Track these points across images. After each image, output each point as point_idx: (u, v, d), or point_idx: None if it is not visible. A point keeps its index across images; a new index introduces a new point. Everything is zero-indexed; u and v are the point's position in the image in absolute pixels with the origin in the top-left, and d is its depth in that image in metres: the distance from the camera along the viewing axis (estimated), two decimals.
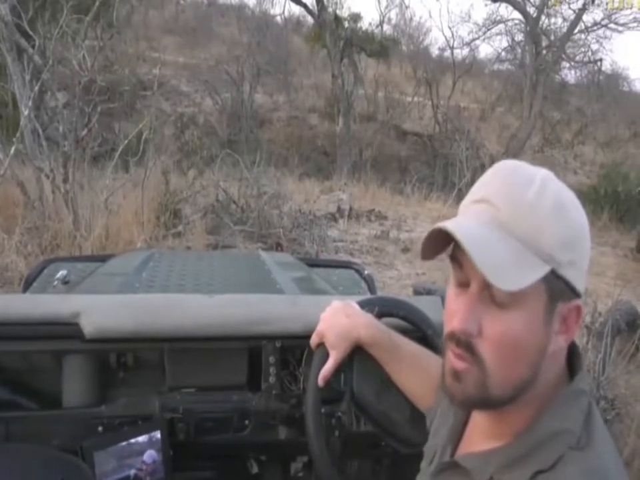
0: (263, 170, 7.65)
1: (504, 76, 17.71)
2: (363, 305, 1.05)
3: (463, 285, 0.64)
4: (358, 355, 0.98)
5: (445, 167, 13.38)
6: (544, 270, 0.60)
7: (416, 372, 0.94)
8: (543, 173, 0.65)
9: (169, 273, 1.93)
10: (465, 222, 0.63)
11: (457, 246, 0.61)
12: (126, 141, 6.06)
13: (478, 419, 0.71)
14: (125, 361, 1.23)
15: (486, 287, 0.61)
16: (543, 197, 0.61)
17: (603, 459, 0.60)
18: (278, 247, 5.91)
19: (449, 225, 0.61)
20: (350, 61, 14.85)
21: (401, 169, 13.89)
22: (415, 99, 16.73)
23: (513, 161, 0.68)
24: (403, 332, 1.00)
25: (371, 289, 2.23)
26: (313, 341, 1.00)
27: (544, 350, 0.62)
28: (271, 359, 1.25)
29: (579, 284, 0.63)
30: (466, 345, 0.62)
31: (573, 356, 0.67)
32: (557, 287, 0.61)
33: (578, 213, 0.64)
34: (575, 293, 0.63)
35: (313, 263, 2.46)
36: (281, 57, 15.75)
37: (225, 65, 14.42)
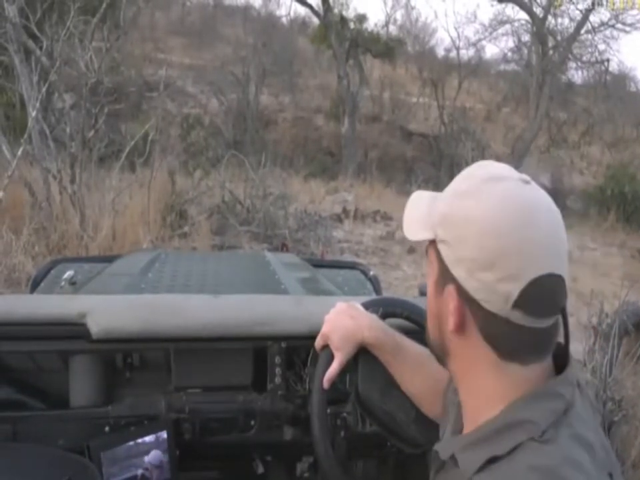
0: (269, 171, 7.67)
1: (510, 76, 17.66)
2: (367, 305, 1.05)
3: None
4: (363, 355, 0.98)
5: (450, 167, 13.35)
6: (429, 235, 0.68)
7: (420, 374, 0.93)
8: (494, 175, 0.66)
9: (174, 274, 1.94)
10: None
11: None
12: (132, 142, 6.08)
13: (464, 417, 0.72)
14: (131, 361, 1.24)
15: None
16: (462, 183, 0.68)
17: (562, 460, 0.57)
18: (283, 247, 5.91)
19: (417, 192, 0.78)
20: (355, 61, 14.85)
21: (407, 169, 13.87)
22: (421, 99, 16.71)
23: (500, 165, 0.69)
24: (408, 332, 1.00)
25: (376, 289, 2.23)
26: (318, 343, 1.00)
27: (441, 320, 0.68)
28: (277, 360, 1.25)
29: (456, 270, 0.64)
30: None
31: (560, 358, 0.67)
32: (443, 262, 0.66)
33: (475, 204, 0.64)
34: (454, 279, 0.65)
35: (318, 264, 2.46)
36: (286, 57, 15.78)
37: (231, 66, 14.46)
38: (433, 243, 0.68)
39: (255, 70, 14.50)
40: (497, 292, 0.61)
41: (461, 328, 0.65)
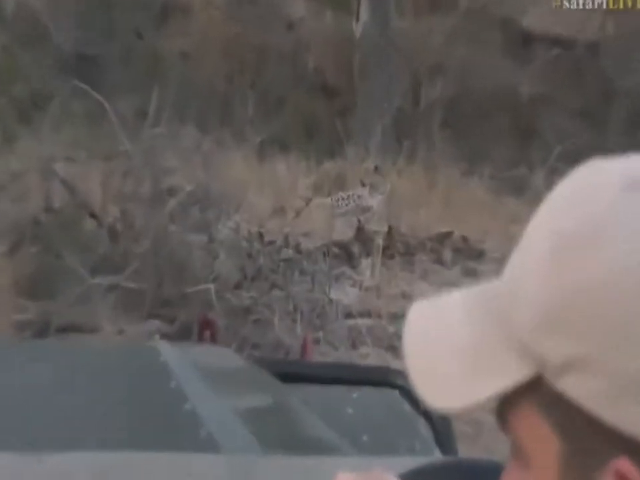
0: (167, 132, 7.78)
1: None
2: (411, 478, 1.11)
3: None
4: None
5: (626, 119, 13.60)
6: (526, 370, 0.71)
7: None
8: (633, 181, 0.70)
9: None
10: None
11: None
12: None
13: None
14: None
15: None
16: (567, 217, 0.71)
17: None
18: (204, 329, 5.99)
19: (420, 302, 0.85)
20: None
21: (519, 128, 14.12)
22: None
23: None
24: None
25: (440, 433, 2.33)
26: None
27: None
28: None
29: (620, 416, 0.67)
30: None
31: None
32: (572, 423, 0.69)
33: (615, 250, 0.68)
34: (618, 439, 0.67)
35: (295, 372, 2.57)
36: None
37: None
38: (525, 395, 0.72)
39: None
40: None
41: None
